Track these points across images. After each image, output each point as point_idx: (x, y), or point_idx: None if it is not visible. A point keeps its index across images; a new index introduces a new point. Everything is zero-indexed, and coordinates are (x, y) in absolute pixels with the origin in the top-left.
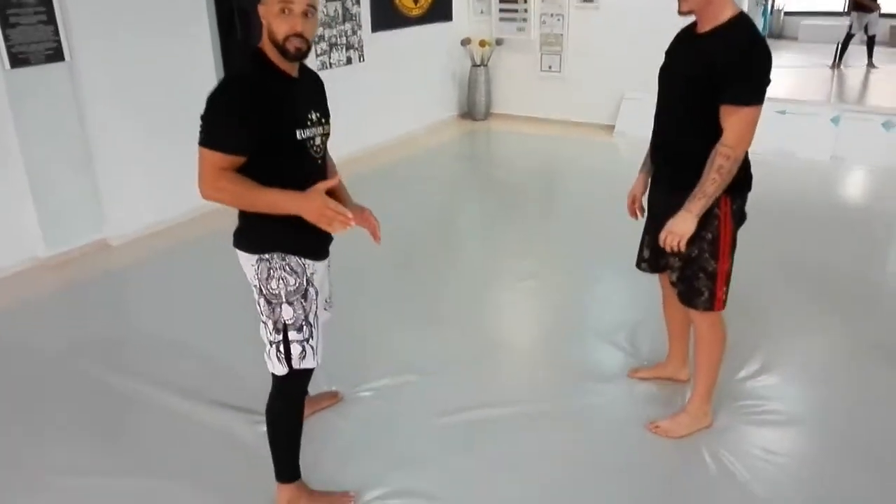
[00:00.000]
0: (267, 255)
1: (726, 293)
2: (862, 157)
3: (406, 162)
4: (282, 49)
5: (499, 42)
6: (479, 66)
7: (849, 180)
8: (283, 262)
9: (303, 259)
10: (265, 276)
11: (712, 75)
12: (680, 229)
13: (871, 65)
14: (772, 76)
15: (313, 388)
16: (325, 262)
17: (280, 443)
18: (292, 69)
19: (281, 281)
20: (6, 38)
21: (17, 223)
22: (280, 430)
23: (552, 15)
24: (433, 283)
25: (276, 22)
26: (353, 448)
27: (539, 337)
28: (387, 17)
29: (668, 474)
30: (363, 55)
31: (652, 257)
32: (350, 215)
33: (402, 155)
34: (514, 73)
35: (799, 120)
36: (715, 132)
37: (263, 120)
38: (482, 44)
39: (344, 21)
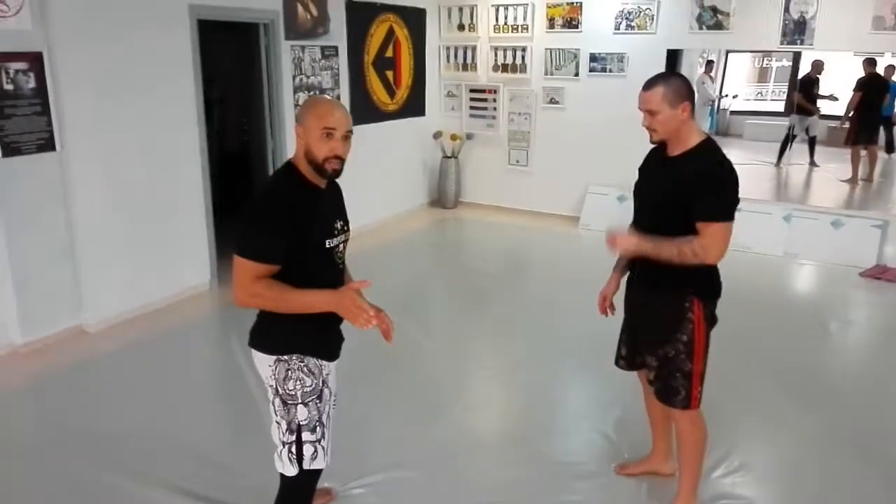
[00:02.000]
0: (286, 357)
1: (701, 392)
2: (813, 254)
3: (379, 248)
4: (320, 168)
5: (469, 136)
6: (449, 157)
7: (801, 275)
8: (302, 364)
9: (320, 360)
10: (283, 376)
11: (684, 193)
12: (623, 240)
13: (812, 164)
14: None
15: None
16: (336, 363)
17: None
18: (321, 182)
19: (298, 382)
20: (0, 129)
21: None
22: None
23: (520, 113)
24: (408, 374)
25: (317, 144)
26: None
27: (522, 431)
28: (365, 111)
29: None
30: None
31: (629, 355)
32: (373, 314)
33: (375, 241)
34: (483, 165)
35: (753, 217)
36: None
37: (296, 233)
38: (453, 137)
39: None
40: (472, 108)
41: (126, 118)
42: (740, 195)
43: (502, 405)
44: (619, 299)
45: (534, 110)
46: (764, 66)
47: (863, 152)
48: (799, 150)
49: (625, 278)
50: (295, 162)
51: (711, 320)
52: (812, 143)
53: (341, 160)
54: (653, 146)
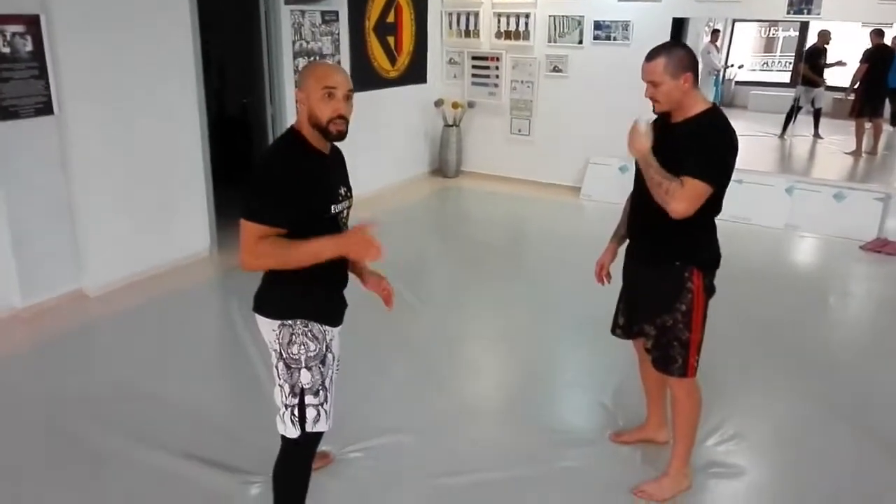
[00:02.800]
0: (290, 322)
1: (698, 361)
2: (814, 226)
3: (379, 217)
4: (324, 131)
5: (471, 105)
6: (451, 126)
7: (802, 248)
8: (306, 329)
9: (324, 326)
10: (287, 341)
11: (680, 158)
12: (638, 142)
13: (817, 136)
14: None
15: None
16: (338, 329)
17: (288, 496)
18: (325, 147)
19: (302, 347)
20: None
21: None
22: (287, 491)
23: (522, 82)
24: (406, 341)
25: (319, 106)
26: None
27: (519, 399)
28: (365, 77)
29: None
30: None
31: (626, 324)
32: (379, 245)
33: (375, 210)
34: (484, 134)
35: (755, 189)
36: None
37: (301, 198)
38: (454, 106)
39: None
40: (474, 75)
41: (124, 81)
42: (742, 167)
43: (500, 373)
44: (615, 269)
45: (536, 78)
46: (771, 35)
47: (867, 125)
48: (803, 121)
49: (623, 248)
50: (298, 128)
51: (710, 290)
52: (817, 115)
53: (345, 120)
54: (656, 116)
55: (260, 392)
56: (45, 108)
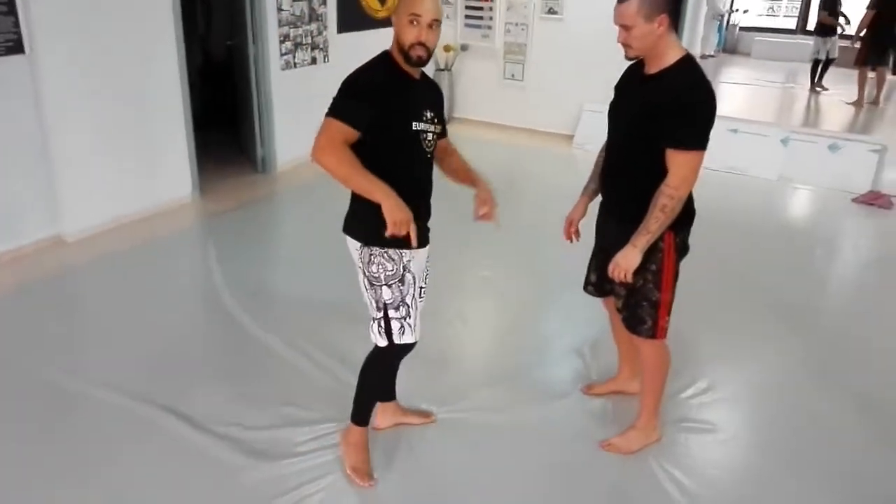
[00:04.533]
0: (369, 246)
1: (668, 322)
2: (808, 178)
3: None
4: (406, 55)
5: (463, 48)
6: (443, 70)
7: (794, 200)
8: (383, 251)
9: (399, 249)
10: (367, 261)
11: (657, 117)
12: (626, 263)
13: (819, 86)
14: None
15: None
16: (425, 250)
17: (364, 394)
18: (415, 73)
19: (381, 266)
20: None
21: None
22: (369, 384)
23: (517, 24)
24: None
25: (404, 31)
26: None
27: (495, 350)
28: (353, 18)
29: (620, 489)
30: (328, 56)
31: (598, 282)
32: (410, 232)
33: None
34: (477, 79)
35: (750, 139)
36: (661, 169)
37: (385, 106)
38: (447, 48)
39: (310, 21)
40: (467, 16)
41: (98, 18)
42: (740, 116)
43: (478, 324)
44: (587, 225)
45: (531, 21)
46: None
47: (871, 74)
48: (805, 70)
49: (595, 203)
50: (390, 51)
51: (682, 250)
52: (827, 64)
53: (426, 48)
54: (630, 63)
55: (235, 343)
56: (16, 47)
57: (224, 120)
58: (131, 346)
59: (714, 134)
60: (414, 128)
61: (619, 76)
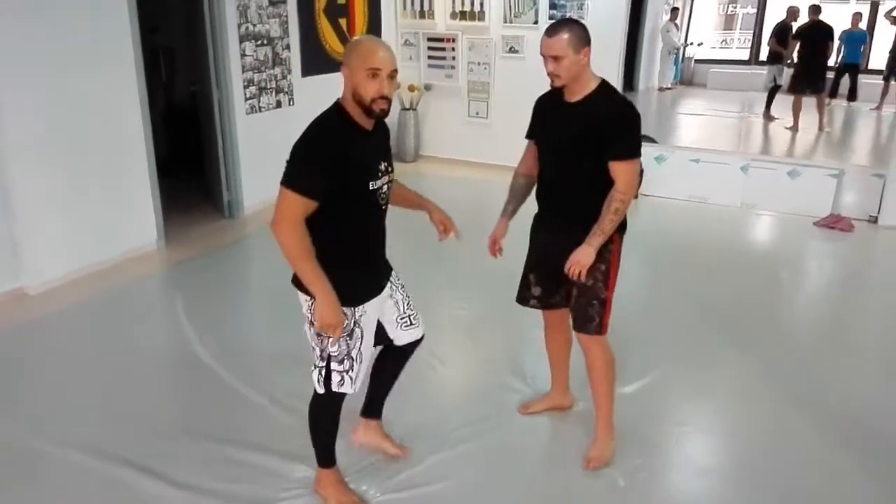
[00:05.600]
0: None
1: (609, 318)
2: (770, 204)
3: None
4: (367, 109)
5: (427, 87)
6: (408, 109)
7: (757, 226)
8: None
9: (352, 307)
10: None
11: (597, 137)
12: (584, 260)
13: (769, 116)
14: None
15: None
16: (383, 293)
17: (318, 436)
18: (369, 124)
19: None
20: None
21: None
22: (321, 427)
23: (479, 63)
24: None
25: (363, 84)
26: None
27: (461, 381)
28: (317, 61)
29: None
30: (293, 98)
31: (543, 294)
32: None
33: None
34: (442, 117)
35: (711, 168)
36: (600, 181)
37: (341, 173)
38: (411, 88)
39: (274, 65)
40: (430, 57)
41: (60, 69)
42: (699, 146)
43: (434, 353)
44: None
45: (493, 60)
46: (730, 12)
47: (811, 99)
48: (761, 99)
49: (520, 220)
50: (342, 103)
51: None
52: (774, 92)
53: (388, 100)
54: (541, 95)
55: (204, 394)
56: None
57: (189, 166)
58: (96, 401)
59: (676, 164)
60: (371, 188)
61: None
